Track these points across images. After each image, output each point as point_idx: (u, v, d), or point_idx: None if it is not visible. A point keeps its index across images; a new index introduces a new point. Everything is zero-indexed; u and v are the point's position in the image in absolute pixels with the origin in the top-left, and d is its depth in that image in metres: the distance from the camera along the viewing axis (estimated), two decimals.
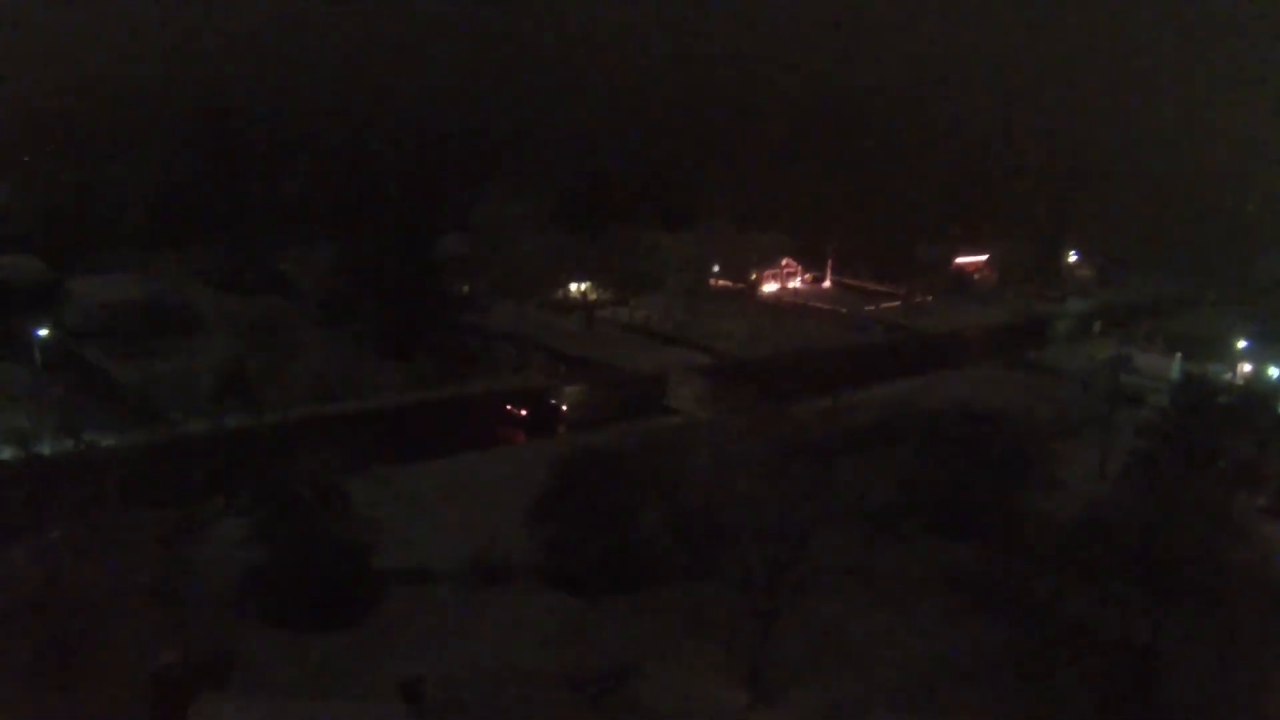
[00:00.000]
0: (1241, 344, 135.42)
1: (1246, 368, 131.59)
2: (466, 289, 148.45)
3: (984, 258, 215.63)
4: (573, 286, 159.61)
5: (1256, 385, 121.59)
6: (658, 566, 66.13)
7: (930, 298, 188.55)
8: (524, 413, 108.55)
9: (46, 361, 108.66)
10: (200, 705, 37.37)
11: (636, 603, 64.15)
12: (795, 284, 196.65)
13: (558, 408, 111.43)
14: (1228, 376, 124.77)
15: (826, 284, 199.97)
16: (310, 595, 58.66)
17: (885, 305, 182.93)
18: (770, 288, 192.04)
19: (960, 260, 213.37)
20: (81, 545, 51.39)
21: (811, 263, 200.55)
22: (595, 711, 52.07)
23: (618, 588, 65.00)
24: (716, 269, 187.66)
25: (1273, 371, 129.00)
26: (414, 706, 42.65)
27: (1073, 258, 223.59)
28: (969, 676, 57.59)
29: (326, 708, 41.88)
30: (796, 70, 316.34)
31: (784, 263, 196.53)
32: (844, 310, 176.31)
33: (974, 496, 73.45)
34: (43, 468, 59.14)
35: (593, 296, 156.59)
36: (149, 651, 39.00)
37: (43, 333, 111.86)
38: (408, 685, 43.43)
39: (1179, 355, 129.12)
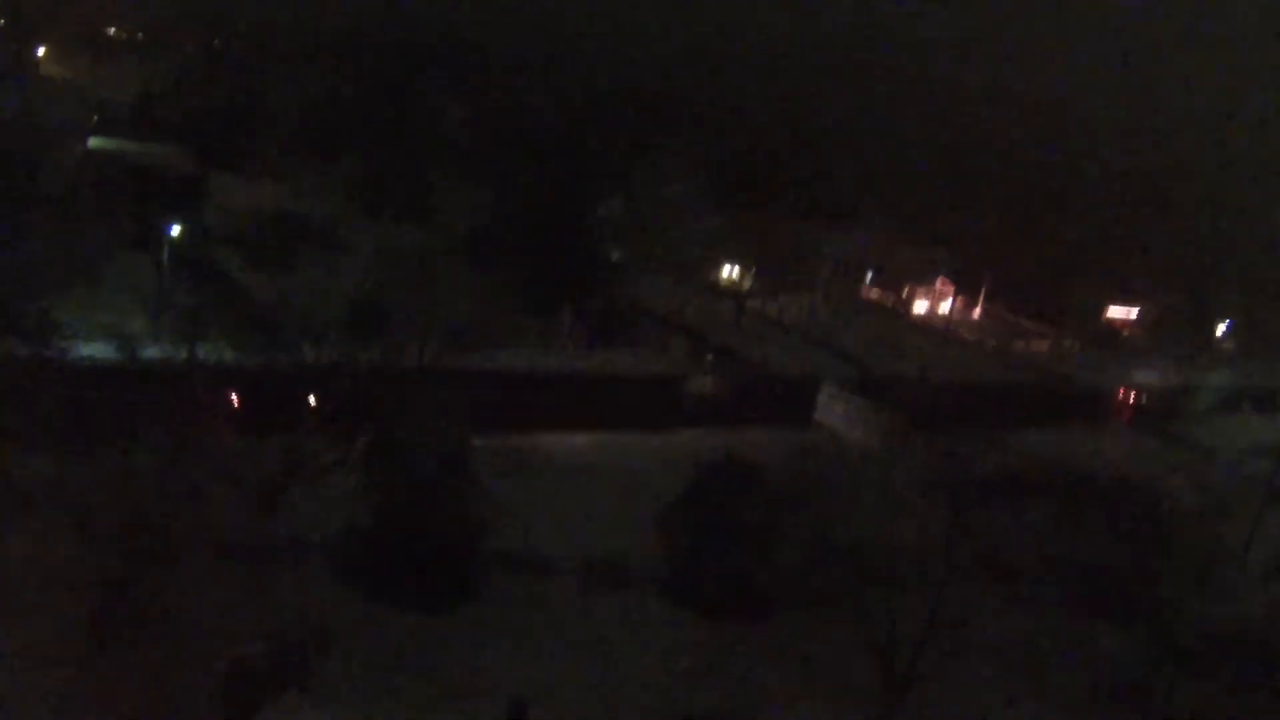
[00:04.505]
0: None
1: None
2: (617, 256, 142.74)
3: (1134, 313, 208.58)
4: (725, 272, 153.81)
5: None
6: (791, 597, 60.47)
7: (1078, 344, 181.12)
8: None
9: (176, 261, 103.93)
10: (276, 709, 31.72)
11: (762, 633, 60.55)
12: (944, 307, 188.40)
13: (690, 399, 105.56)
14: None
15: (976, 312, 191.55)
16: (415, 571, 53.68)
17: (1034, 346, 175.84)
18: (921, 306, 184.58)
19: (1112, 312, 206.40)
20: (168, 470, 45.30)
21: (963, 286, 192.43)
22: None
23: (744, 613, 61.19)
24: (870, 276, 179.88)
25: None
26: None
27: (1221, 329, 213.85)
28: None
29: None
30: (991, 94, 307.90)
31: (938, 282, 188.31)
32: (993, 343, 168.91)
33: (1123, 575, 67.23)
34: (145, 375, 53.69)
35: (745, 286, 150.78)
36: (229, 622, 32.92)
37: (175, 230, 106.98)
38: (512, 708, 37.66)
39: None
